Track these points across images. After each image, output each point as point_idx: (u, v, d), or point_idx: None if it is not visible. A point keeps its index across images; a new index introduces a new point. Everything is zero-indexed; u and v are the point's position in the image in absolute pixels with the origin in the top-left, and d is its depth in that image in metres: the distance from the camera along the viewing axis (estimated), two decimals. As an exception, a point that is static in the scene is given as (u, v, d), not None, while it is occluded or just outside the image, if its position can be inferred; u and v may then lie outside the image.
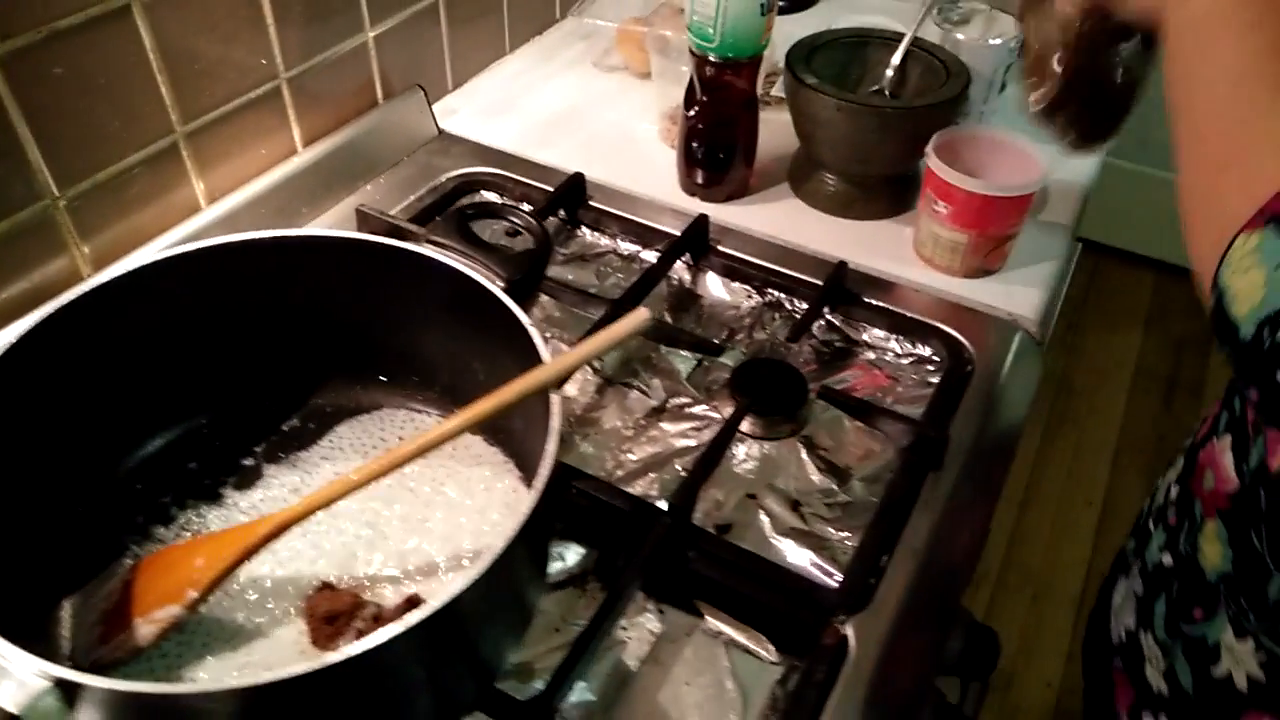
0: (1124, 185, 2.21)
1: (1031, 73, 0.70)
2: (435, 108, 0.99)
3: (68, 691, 0.37)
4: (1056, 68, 0.67)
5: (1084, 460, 1.96)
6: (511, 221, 0.64)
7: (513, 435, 0.61)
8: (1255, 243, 0.39)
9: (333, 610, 0.51)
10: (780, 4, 1.23)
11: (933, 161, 0.78)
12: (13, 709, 0.36)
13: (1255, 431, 0.52)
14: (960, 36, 0.93)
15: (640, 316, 0.52)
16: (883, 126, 0.82)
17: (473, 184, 0.92)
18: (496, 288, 0.53)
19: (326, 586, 0.53)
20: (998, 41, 0.93)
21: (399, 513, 0.59)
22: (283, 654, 0.51)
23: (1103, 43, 0.66)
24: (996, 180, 0.77)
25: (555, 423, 0.47)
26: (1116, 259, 2.42)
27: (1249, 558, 0.52)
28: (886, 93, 0.88)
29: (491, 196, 0.92)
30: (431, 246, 0.58)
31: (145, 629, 0.47)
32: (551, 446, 0.46)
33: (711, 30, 0.80)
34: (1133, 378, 2.17)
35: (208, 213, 0.79)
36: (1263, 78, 0.44)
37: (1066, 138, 0.72)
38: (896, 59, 0.88)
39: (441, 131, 0.99)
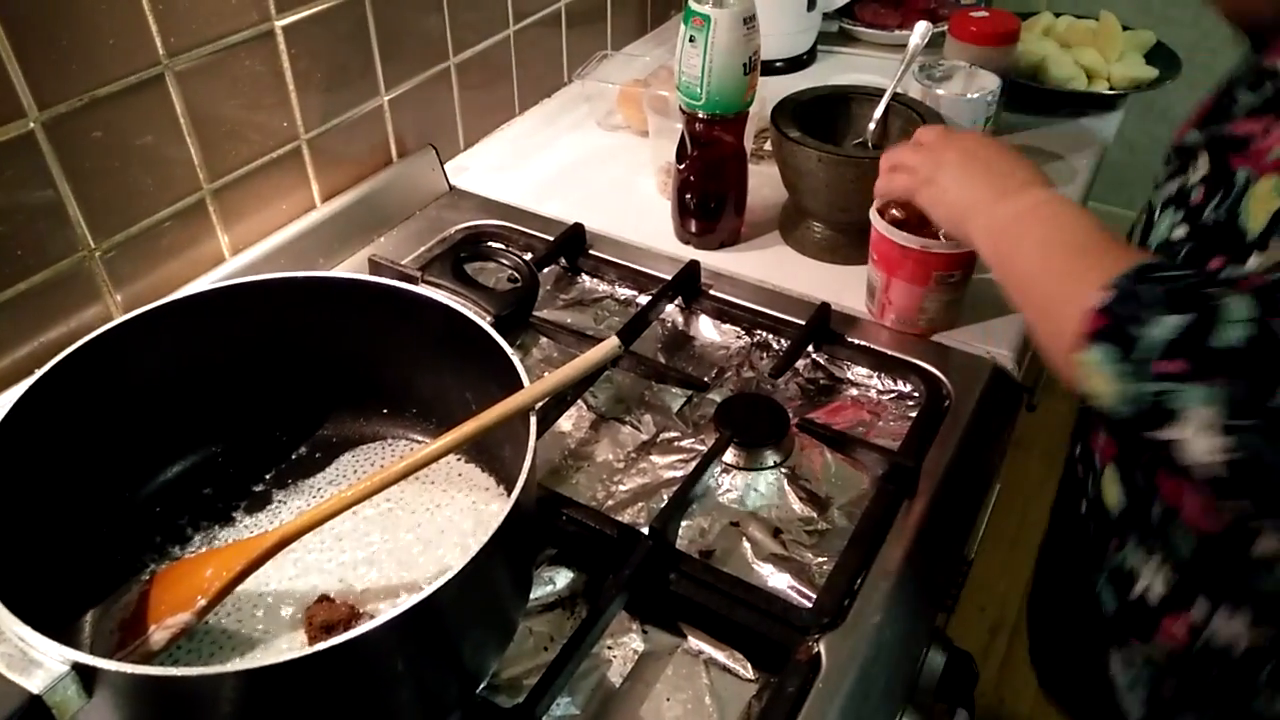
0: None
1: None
2: (447, 166, 1.05)
3: (85, 676, 0.41)
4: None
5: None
6: (500, 262, 0.69)
7: (503, 462, 0.65)
8: (1091, 358, 0.50)
9: (330, 620, 0.54)
10: (777, 64, 1.31)
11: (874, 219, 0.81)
12: (35, 690, 0.40)
13: None
14: (940, 92, 0.98)
15: (610, 344, 0.56)
16: (861, 176, 0.86)
17: (479, 235, 0.98)
18: (485, 322, 0.58)
19: (325, 599, 0.57)
20: (976, 96, 0.98)
21: (395, 533, 0.63)
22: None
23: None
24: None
25: (532, 440, 0.51)
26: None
27: (1135, 492, 0.64)
28: (869, 145, 0.93)
29: (497, 246, 0.97)
30: (427, 286, 0.62)
31: (158, 634, 0.51)
32: (528, 461, 0.50)
33: (698, 89, 0.86)
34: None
35: (232, 263, 0.85)
36: (1062, 249, 0.58)
37: None
38: (878, 113, 0.93)
39: (452, 187, 1.05)
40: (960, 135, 0.75)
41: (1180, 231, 0.58)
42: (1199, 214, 0.57)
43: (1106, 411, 0.50)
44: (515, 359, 0.56)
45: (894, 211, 0.81)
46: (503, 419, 0.53)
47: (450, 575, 0.44)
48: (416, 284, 0.63)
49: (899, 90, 0.94)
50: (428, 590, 0.43)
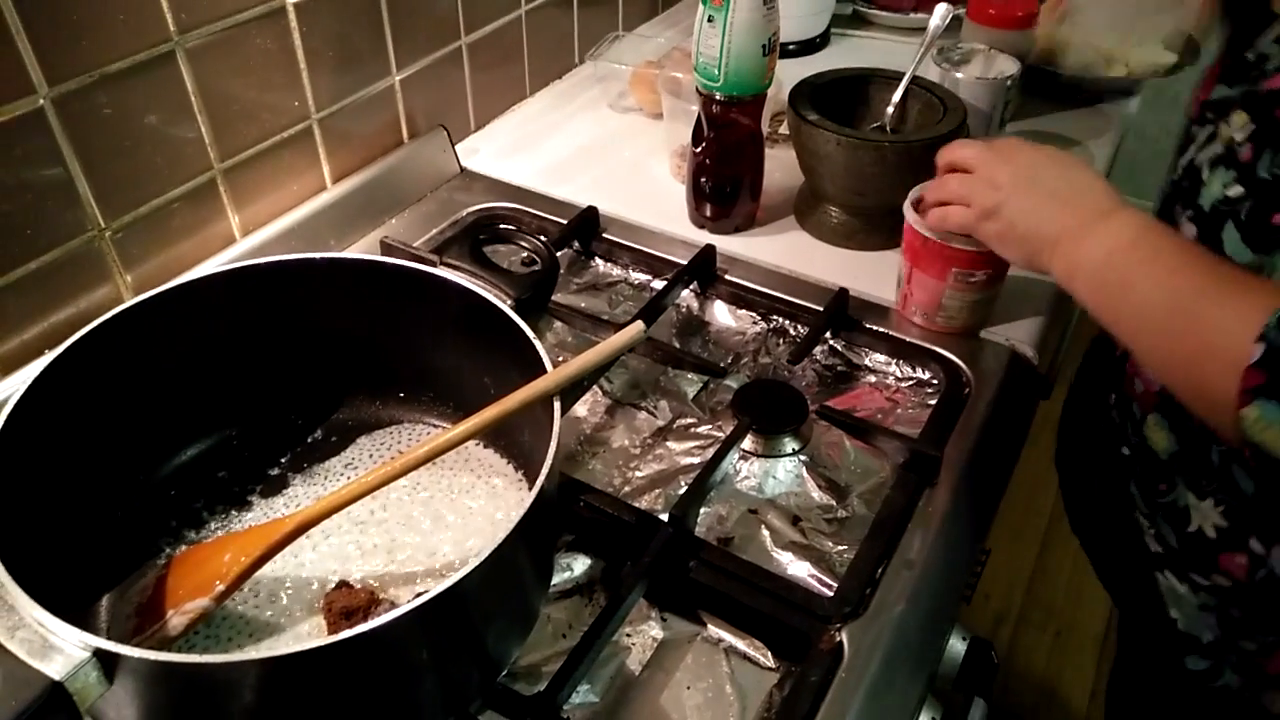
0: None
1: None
2: (458, 147, 1.04)
3: (106, 662, 0.40)
4: None
5: (1106, 497, 1.95)
6: (520, 245, 0.68)
7: (522, 448, 0.65)
8: (1255, 414, 0.49)
9: (349, 606, 0.54)
10: (790, 47, 1.29)
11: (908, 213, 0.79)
12: (56, 677, 0.39)
13: None
14: (959, 75, 0.97)
15: (636, 329, 0.55)
16: (880, 160, 0.85)
17: (491, 218, 0.97)
18: (505, 305, 0.57)
19: (344, 585, 0.57)
20: (995, 79, 0.97)
21: (416, 519, 0.62)
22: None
23: None
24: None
25: (556, 426, 0.50)
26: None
27: (1190, 437, 0.65)
28: (887, 128, 0.92)
29: (515, 229, 0.96)
30: (446, 269, 0.61)
31: (176, 620, 0.50)
32: (552, 447, 0.49)
33: (717, 71, 0.84)
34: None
35: (242, 244, 0.84)
36: (1182, 293, 0.55)
37: None
38: (897, 96, 0.92)
39: (463, 169, 1.04)
40: (1009, 150, 0.70)
41: (1236, 190, 0.58)
42: (1252, 171, 0.56)
43: (1275, 460, 0.49)
44: (537, 343, 0.55)
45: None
46: (526, 404, 0.53)
47: (476, 563, 0.43)
48: (435, 266, 0.62)
49: (917, 73, 0.92)
50: (453, 578, 0.42)
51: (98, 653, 0.40)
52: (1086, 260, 0.62)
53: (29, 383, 0.51)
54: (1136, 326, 0.59)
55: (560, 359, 0.81)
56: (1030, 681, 1.65)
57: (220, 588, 0.51)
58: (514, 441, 0.65)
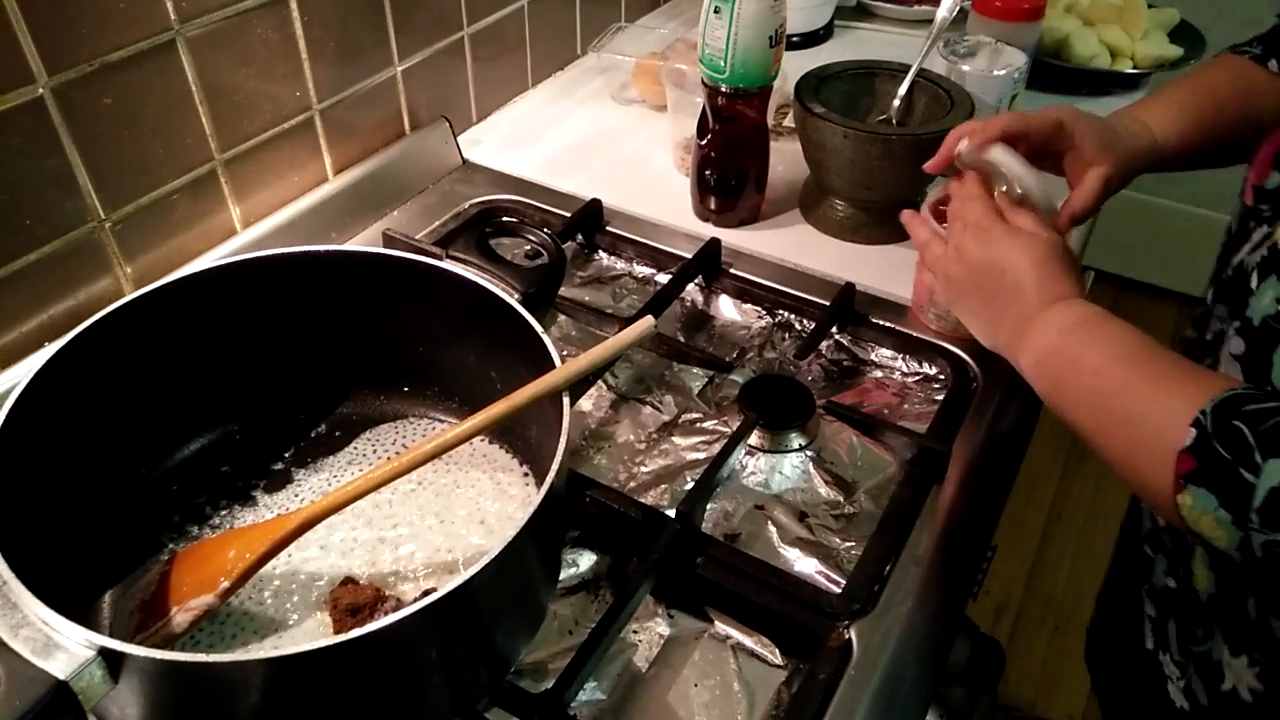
0: (1144, 218, 2.22)
1: None
2: (460, 139, 1.03)
3: (112, 661, 0.40)
4: None
5: (1105, 493, 1.95)
6: (528, 239, 0.67)
7: (528, 444, 0.64)
8: (1189, 502, 0.48)
9: (355, 603, 0.53)
10: (793, 39, 1.28)
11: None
12: (61, 676, 0.38)
13: None
14: (966, 68, 0.96)
15: (646, 324, 0.54)
16: (888, 153, 0.84)
17: (494, 210, 0.96)
18: (513, 299, 0.56)
19: (349, 581, 0.56)
20: (1002, 72, 0.96)
21: (421, 515, 0.62)
22: (307, 643, 0.54)
23: None
24: None
25: (566, 421, 0.50)
26: (1138, 292, 2.42)
27: (1229, 579, 0.58)
28: (894, 121, 0.91)
29: (521, 222, 0.95)
30: (452, 262, 0.61)
31: (180, 616, 0.50)
32: (562, 445, 0.48)
33: (722, 62, 0.84)
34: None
35: (243, 236, 0.84)
36: (1115, 387, 0.54)
37: None
38: (903, 89, 0.91)
39: (465, 161, 1.03)
40: (964, 245, 0.66)
41: None
42: None
43: (1221, 552, 0.48)
44: (546, 338, 0.54)
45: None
46: (535, 399, 0.52)
47: (487, 560, 0.42)
48: (441, 260, 0.61)
49: (924, 66, 0.92)
50: (465, 575, 0.42)
51: (103, 651, 0.39)
52: (1033, 348, 0.61)
53: (30, 377, 0.51)
54: (1079, 413, 0.57)
55: (565, 353, 0.80)
56: (1029, 675, 1.65)
57: (225, 584, 0.50)
58: (519, 437, 0.64)
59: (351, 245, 0.89)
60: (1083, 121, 0.72)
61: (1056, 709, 1.61)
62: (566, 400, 0.52)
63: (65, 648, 0.39)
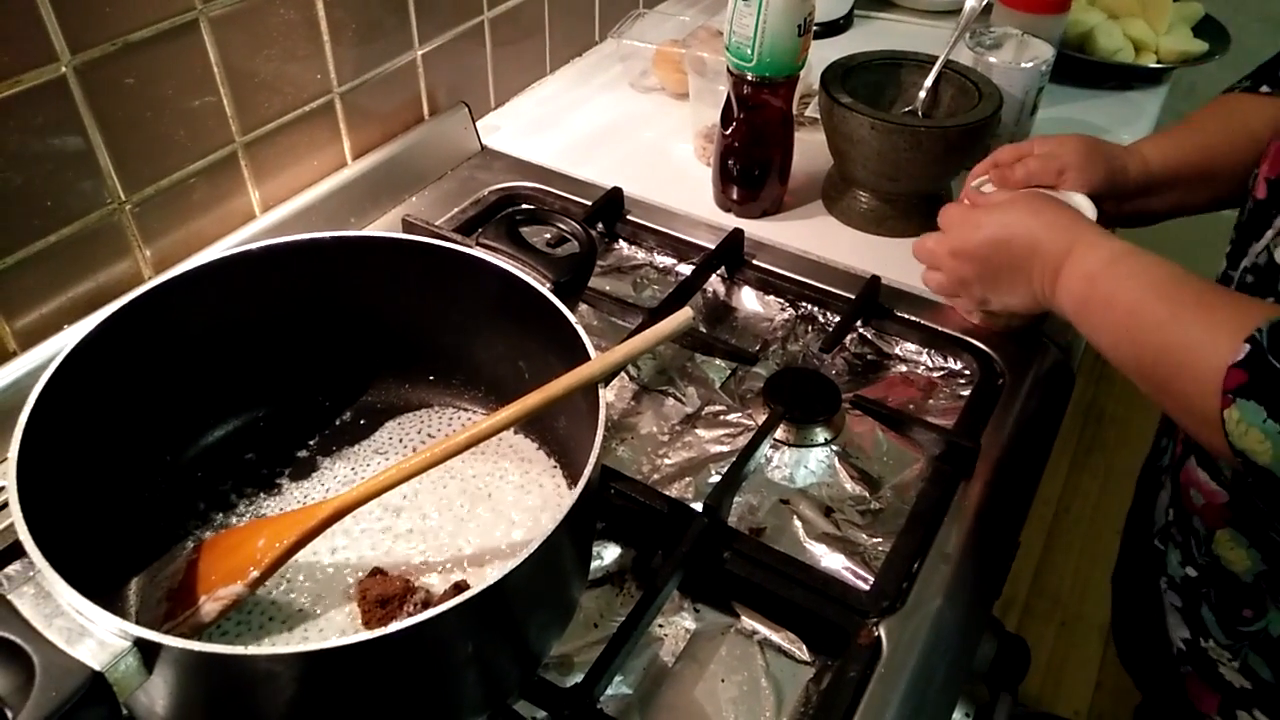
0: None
1: None
2: (479, 124, 1.02)
3: (147, 651, 0.39)
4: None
5: (1113, 488, 1.95)
6: (559, 228, 0.67)
7: (556, 435, 0.63)
8: (1236, 416, 0.48)
9: (384, 594, 0.53)
10: (815, 28, 1.27)
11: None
12: (96, 667, 0.38)
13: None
14: (993, 60, 0.95)
15: (684, 315, 0.54)
16: (915, 145, 0.84)
17: (514, 197, 0.95)
18: (545, 288, 0.56)
19: (378, 572, 0.56)
20: (1029, 65, 0.95)
21: (448, 506, 0.61)
22: (335, 635, 0.53)
23: None
24: None
25: (602, 414, 0.49)
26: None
27: (1276, 553, 0.58)
28: (920, 113, 0.90)
29: (550, 210, 0.95)
30: (481, 249, 0.60)
31: (209, 606, 0.49)
32: (598, 439, 0.48)
33: (749, 50, 0.83)
34: (1162, 406, 2.16)
35: (262, 220, 0.83)
36: (1155, 315, 0.56)
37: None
38: (930, 80, 0.90)
39: (484, 147, 1.02)
40: (964, 246, 0.71)
41: None
42: None
43: (1262, 470, 0.48)
44: (580, 329, 0.53)
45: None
46: (570, 391, 0.51)
47: (524, 556, 0.42)
48: (471, 247, 0.60)
49: (950, 57, 0.91)
50: (503, 571, 0.41)
51: (138, 642, 0.39)
52: (1069, 298, 0.63)
53: (57, 364, 0.50)
54: (1119, 351, 0.58)
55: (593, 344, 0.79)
56: (1035, 671, 1.65)
57: (255, 574, 0.49)
58: (549, 428, 0.64)
59: (371, 230, 0.88)
60: (1069, 143, 0.76)
61: (1062, 704, 1.61)
62: (603, 392, 0.51)
63: (99, 638, 0.39)
